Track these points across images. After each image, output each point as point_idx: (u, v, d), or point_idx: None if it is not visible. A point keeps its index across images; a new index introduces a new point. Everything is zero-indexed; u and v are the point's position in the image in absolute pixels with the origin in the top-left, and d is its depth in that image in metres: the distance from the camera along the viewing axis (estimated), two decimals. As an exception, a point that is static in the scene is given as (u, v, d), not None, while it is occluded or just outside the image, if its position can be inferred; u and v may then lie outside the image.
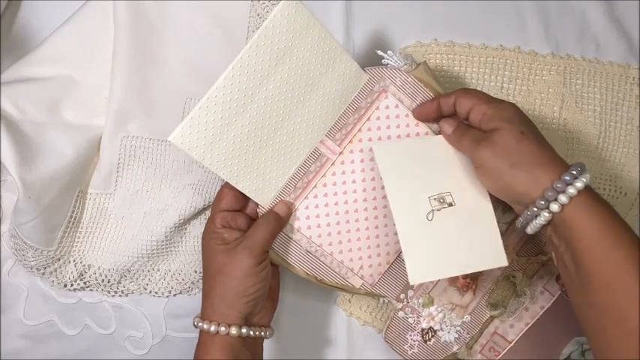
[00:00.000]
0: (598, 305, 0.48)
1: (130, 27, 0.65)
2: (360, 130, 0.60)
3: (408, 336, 0.63)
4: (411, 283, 0.55)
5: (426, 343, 0.63)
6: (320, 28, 0.55)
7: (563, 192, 0.49)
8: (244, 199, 0.58)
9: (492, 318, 0.63)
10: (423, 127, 0.60)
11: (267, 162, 0.57)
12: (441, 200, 0.55)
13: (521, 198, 0.51)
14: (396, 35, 0.69)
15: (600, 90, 0.69)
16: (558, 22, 0.70)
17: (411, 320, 0.62)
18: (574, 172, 0.49)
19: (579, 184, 0.48)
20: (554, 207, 0.49)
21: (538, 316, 0.62)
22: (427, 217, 0.55)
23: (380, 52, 0.59)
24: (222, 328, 0.53)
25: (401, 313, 0.62)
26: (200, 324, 0.54)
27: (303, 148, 0.59)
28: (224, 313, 0.53)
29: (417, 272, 0.54)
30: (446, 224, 0.55)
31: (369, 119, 0.60)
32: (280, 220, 0.57)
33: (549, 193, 0.49)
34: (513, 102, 0.67)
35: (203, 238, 0.57)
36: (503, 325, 0.63)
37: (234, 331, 0.53)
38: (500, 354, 0.62)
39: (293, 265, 0.60)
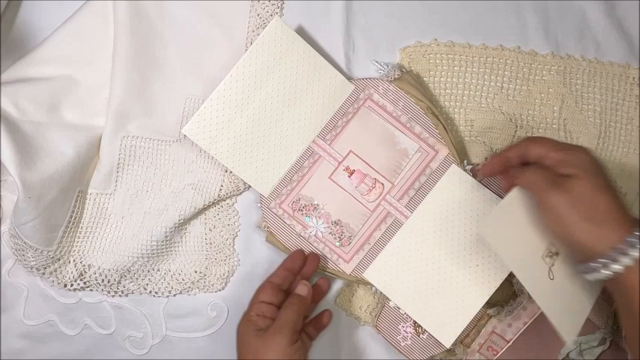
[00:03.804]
0: None
1: (130, 27, 0.65)
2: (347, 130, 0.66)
3: (400, 327, 0.64)
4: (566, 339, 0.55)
5: (419, 336, 0.63)
6: (304, 45, 0.65)
7: (626, 254, 0.49)
8: (281, 295, 0.60)
9: (490, 317, 0.64)
10: (401, 127, 0.66)
11: (265, 156, 0.65)
12: (550, 254, 0.56)
13: (584, 250, 0.51)
14: (396, 35, 0.69)
15: (600, 90, 0.69)
16: (558, 22, 0.70)
17: (403, 311, 0.64)
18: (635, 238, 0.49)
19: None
20: (616, 267, 0.49)
21: (536, 316, 0.62)
22: (549, 276, 0.56)
23: (374, 62, 0.68)
24: None
25: (392, 303, 0.64)
26: None
27: (297, 146, 0.66)
28: None
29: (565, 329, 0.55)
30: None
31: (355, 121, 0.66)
32: (303, 299, 0.60)
33: (612, 254, 0.49)
34: (514, 102, 0.67)
35: (239, 326, 0.59)
36: (501, 324, 0.63)
37: None
38: (498, 353, 0.62)
39: (287, 247, 0.65)
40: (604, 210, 0.50)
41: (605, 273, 0.50)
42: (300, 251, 0.64)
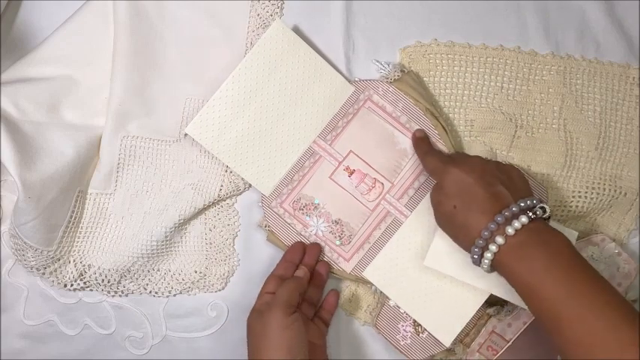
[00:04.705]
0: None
1: (130, 27, 0.65)
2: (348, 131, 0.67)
3: (399, 326, 0.64)
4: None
5: (418, 335, 0.64)
6: (305, 47, 0.66)
7: (497, 235, 0.52)
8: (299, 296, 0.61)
9: (489, 316, 0.64)
10: (401, 127, 0.66)
11: (267, 156, 0.66)
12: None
13: (467, 237, 0.55)
14: (396, 35, 0.69)
15: (600, 90, 0.69)
16: (558, 22, 0.70)
17: (402, 310, 0.64)
18: (501, 218, 0.52)
19: (510, 231, 0.51)
20: (492, 248, 0.52)
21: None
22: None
23: (375, 62, 0.68)
24: None
25: (392, 302, 0.65)
26: None
27: (298, 146, 0.67)
28: None
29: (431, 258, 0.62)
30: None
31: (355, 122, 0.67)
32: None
33: (484, 233, 0.52)
34: (514, 102, 0.67)
35: (247, 320, 0.60)
36: (501, 324, 0.63)
37: None
38: (498, 353, 0.62)
39: (288, 246, 0.66)
40: (479, 201, 0.54)
41: (487, 257, 0.53)
42: (300, 242, 0.65)
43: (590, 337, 0.47)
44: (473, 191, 0.55)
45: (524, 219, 0.51)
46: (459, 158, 0.60)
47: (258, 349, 0.57)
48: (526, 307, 0.54)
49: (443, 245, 0.60)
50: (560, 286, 0.49)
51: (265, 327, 0.57)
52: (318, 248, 0.65)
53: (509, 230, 0.51)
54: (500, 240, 0.51)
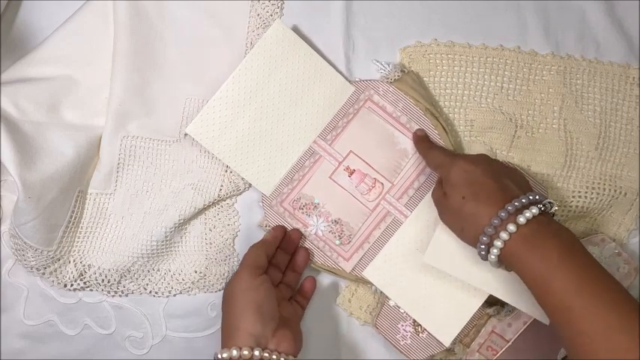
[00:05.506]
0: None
1: (130, 27, 0.65)
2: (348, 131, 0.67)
3: (399, 326, 0.65)
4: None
5: (418, 335, 0.64)
6: (306, 47, 0.66)
7: (508, 222, 0.52)
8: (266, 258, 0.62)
9: (489, 316, 0.64)
10: (401, 128, 0.66)
11: (267, 156, 0.66)
12: None
13: (474, 227, 0.54)
14: (396, 35, 0.70)
15: (600, 90, 0.69)
16: (558, 22, 0.70)
17: (402, 310, 0.64)
18: (511, 207, 0.52)
19: (522, 219, 0.51)
20: (504, 235, 0.52)
21: (535, 315, 0.62)
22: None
23: (375, 62, 0.68)
24: (234, 352, 0.54)
25: (392, 302, 0.65)
26: (218, 355, 0.55)
27: (298, 146, 0.67)
28: (233, 335, 0.55)
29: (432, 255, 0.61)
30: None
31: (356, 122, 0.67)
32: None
33: (494, 221, 0.52)
34: (514, 102, 0.68)
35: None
36: (501, 324, 0.63)
37: (245, 352, 0.54)
38: (498, 353, 0.62)
39: None
40: (489, 191, 0.54)
41: (497, 246, 0.52)
42: (282, 226, 0.66)
43: (600, 329, 0.47)
44: (482, 181, 0.55)
45: (534, 210, 0.51)
46: (463, 153, 0.61)
47: (228, 313, 0.57)
48: (524, 310, 0.54)
49: (443, 242, 0.60)
50: (572, 276, 0.49)
51: (233, 290, 0.57)
52: (299, 232, 0.66)
53: (521, 219, 0.51)
54: (512, 227, 0.51)
